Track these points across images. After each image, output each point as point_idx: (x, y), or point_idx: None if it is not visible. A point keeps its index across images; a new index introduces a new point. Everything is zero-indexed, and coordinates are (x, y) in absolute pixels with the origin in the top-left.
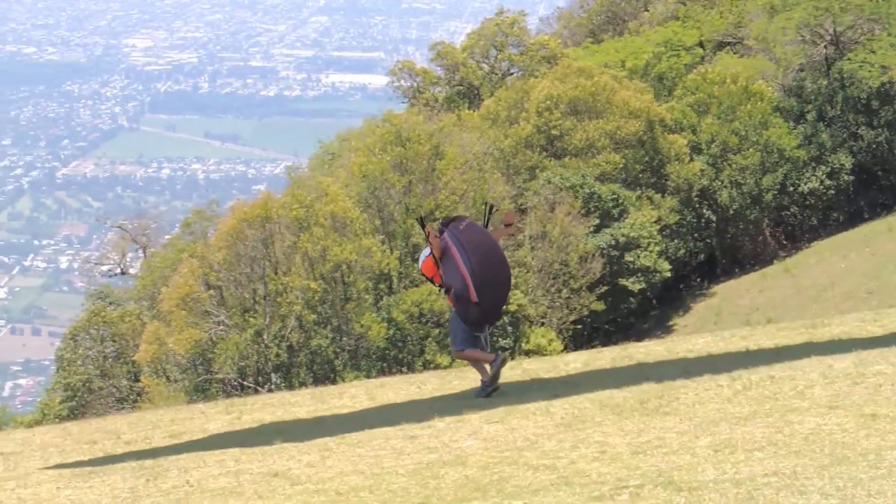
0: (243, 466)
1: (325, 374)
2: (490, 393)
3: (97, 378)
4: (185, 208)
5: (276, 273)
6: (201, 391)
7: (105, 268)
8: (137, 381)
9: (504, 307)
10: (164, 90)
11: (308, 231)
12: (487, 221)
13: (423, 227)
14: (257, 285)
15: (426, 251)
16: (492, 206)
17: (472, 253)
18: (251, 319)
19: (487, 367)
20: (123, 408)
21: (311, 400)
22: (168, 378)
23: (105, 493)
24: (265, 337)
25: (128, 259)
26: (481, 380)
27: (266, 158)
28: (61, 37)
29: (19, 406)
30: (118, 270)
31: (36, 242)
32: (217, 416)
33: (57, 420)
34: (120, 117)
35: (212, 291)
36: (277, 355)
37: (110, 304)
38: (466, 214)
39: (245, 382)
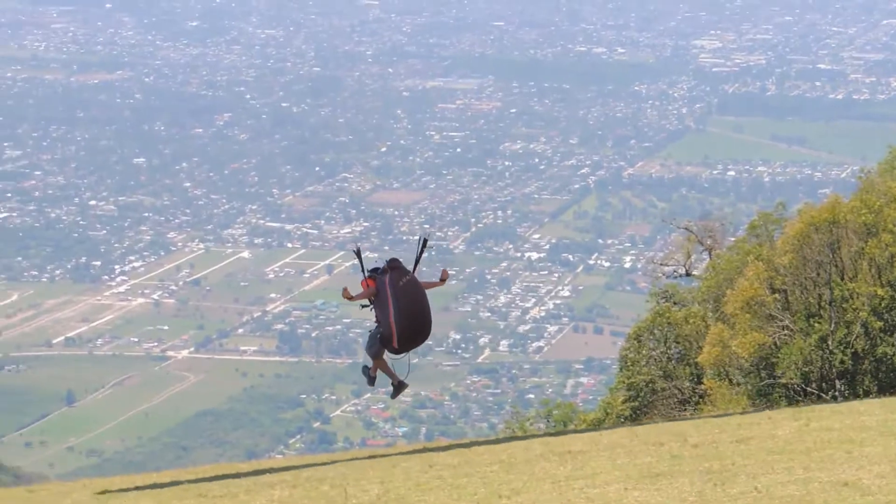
0: (812, 474)
1: (891, 383)
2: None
3: (660, 379)
4: (749, 210)
5: (842, 278)
6: (763, 395)
7: (669, 268)
8: (700, 383)
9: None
10: (732, 92)
11: (876, 237)
12: (420, 256)
13: (359, 258)
14: (823, 290)
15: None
16: (426, 241)
17: (405, 312)
18: (816, 325)
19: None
20: (685, 410)
21: (881, 409)
22: (731, 381)
23: (672, 496)
24: (829, 343)
25: (692, 260)
26: (391, 383)
27: (832, 162)
28: (630, 37)
29: (580, 404)
30: (682, 271)
31: (600, 241)
32: (784, 421)
33: (620, 420)
34: (686, 118)
35: (777, 295)
36: (842, 362)
37: (675, 304)
38: None
39: (808, 388)
